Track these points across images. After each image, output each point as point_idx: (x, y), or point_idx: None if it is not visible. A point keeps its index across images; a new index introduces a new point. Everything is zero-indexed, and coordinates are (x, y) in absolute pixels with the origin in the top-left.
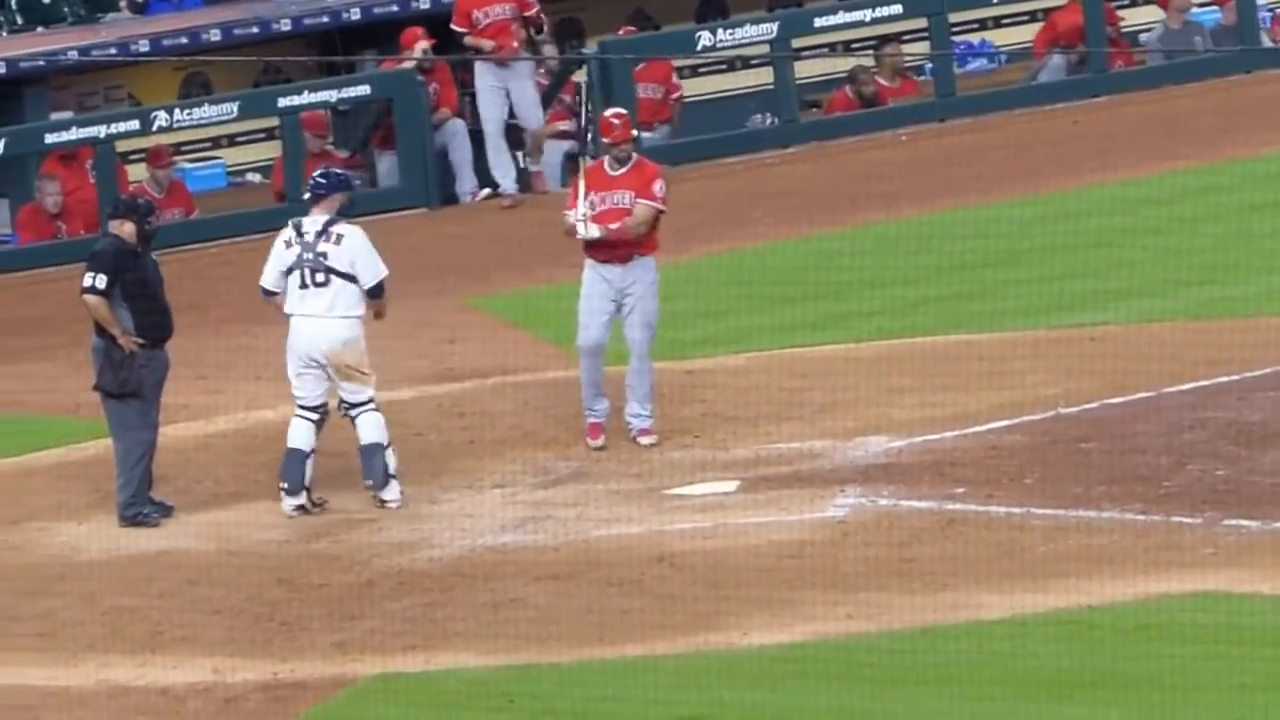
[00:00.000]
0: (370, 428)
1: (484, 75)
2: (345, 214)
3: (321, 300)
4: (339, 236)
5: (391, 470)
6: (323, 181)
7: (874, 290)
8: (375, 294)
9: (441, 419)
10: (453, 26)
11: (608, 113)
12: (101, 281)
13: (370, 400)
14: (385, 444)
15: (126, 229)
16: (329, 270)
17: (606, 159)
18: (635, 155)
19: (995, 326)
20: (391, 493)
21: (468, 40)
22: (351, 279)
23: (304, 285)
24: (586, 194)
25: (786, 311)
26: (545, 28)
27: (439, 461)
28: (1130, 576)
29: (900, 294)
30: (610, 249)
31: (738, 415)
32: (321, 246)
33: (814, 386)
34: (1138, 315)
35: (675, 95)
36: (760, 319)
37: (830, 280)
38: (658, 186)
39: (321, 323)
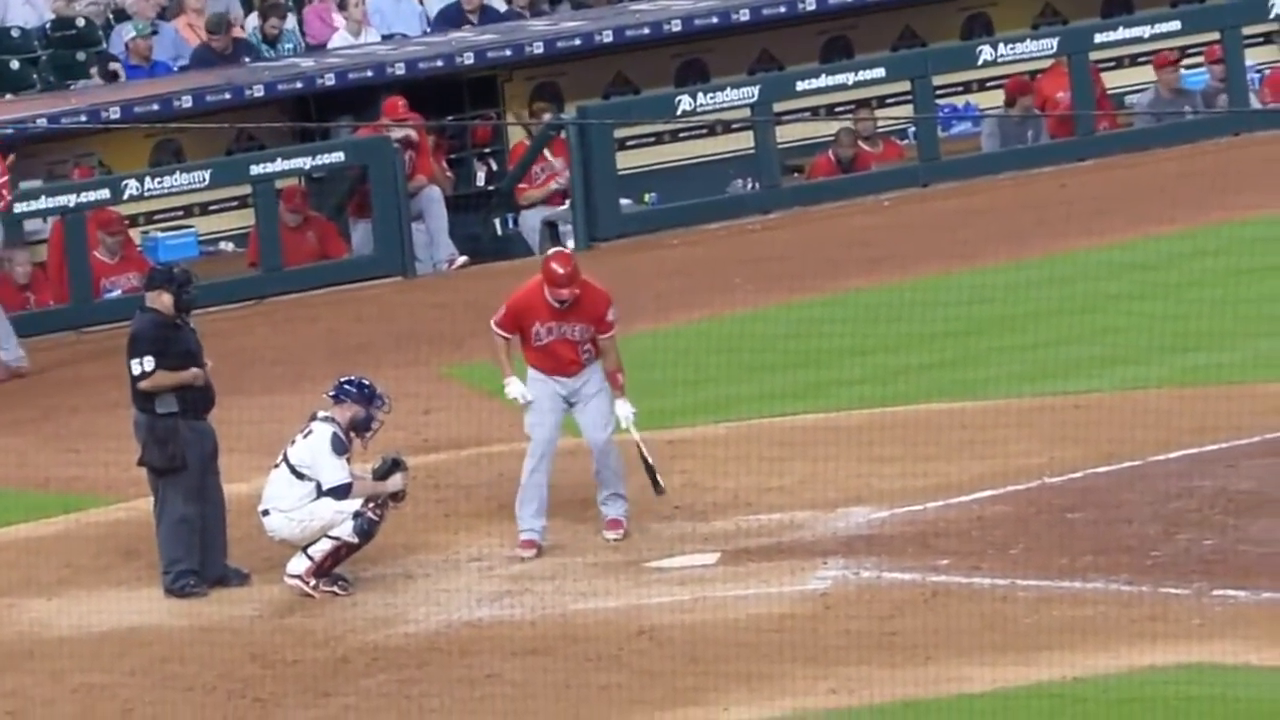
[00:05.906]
0: None
1: None
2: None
3: None
4: None
5: (312, 553)
6: None
7: (857, 358)
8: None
9: (417, 491)
10: None
11: (552, 257)
12: (149, 364)
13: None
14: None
15: (164, 300)
16: None
17: (547, 292)
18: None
19: (980, 395)
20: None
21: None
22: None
23: None
24: (531, 328)
25: (768, 380)
26: None
27: (414, 535)
28: (1117, 648)
29: (883, 362)
30: (559, 364)
31: (718, 486)
32: None
33: (796, 456)
34: (1124, 383)
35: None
36: (741, 387)
37: (812, 348)
38: (611, 315)
39: None
